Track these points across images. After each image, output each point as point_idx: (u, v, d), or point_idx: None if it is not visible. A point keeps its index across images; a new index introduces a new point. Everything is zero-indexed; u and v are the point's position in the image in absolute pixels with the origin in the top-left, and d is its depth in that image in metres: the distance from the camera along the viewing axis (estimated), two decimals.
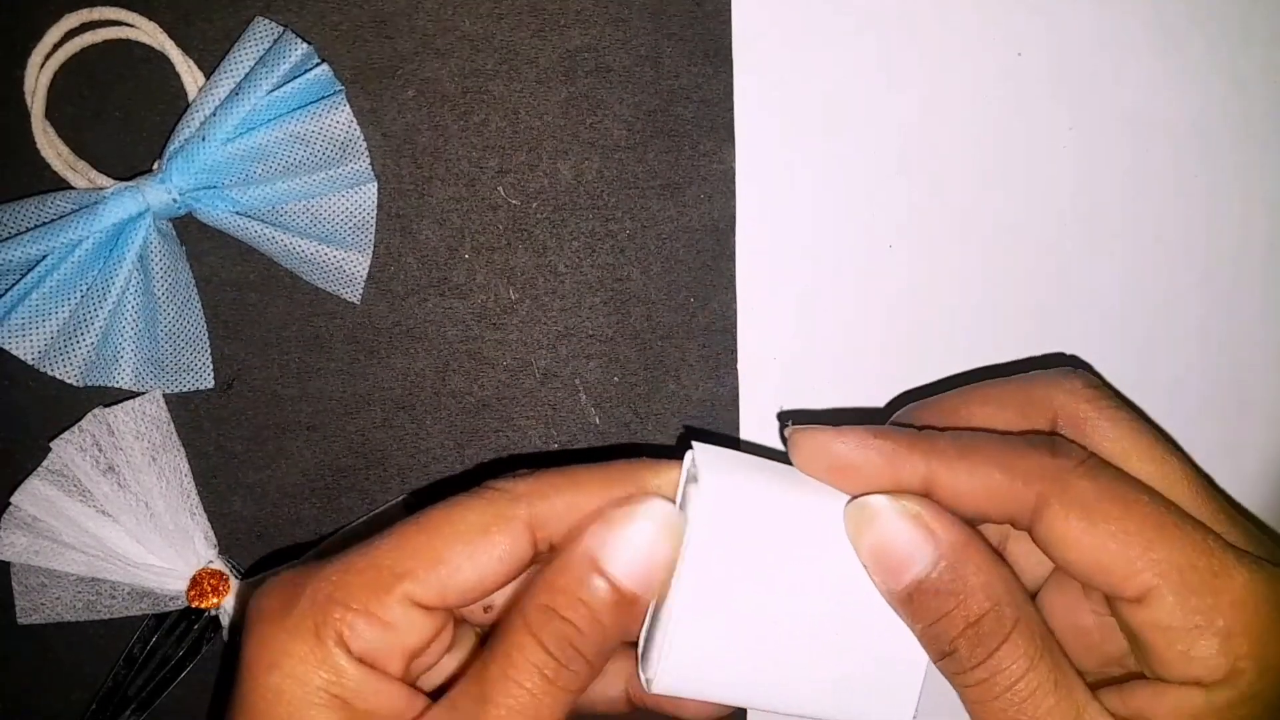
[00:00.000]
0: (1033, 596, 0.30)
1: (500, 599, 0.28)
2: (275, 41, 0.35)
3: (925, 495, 0.26)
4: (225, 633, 0.36)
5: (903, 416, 0.29)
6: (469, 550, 0.25)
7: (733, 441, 0.37)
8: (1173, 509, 0.25)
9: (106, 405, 0.35)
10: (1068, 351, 0.38)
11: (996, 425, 0.28)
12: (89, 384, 0.35)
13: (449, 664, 0.28)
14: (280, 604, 0.25)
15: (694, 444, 0.26)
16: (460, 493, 0.26)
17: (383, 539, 0.25)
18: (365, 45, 0.37)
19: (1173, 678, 0.25)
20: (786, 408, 0.37)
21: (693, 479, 0.26)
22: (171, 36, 0.36)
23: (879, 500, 0.25)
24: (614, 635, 0.25)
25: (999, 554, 0.26)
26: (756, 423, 0.37)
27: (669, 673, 0.25)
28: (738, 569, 0.25)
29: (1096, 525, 0.24)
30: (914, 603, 0.25)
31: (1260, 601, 0.24)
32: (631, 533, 0.25)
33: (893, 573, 0.25)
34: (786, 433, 0.27)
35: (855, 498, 0.26)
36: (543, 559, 0.26)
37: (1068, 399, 0.28)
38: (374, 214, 0.36)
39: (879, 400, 0.37)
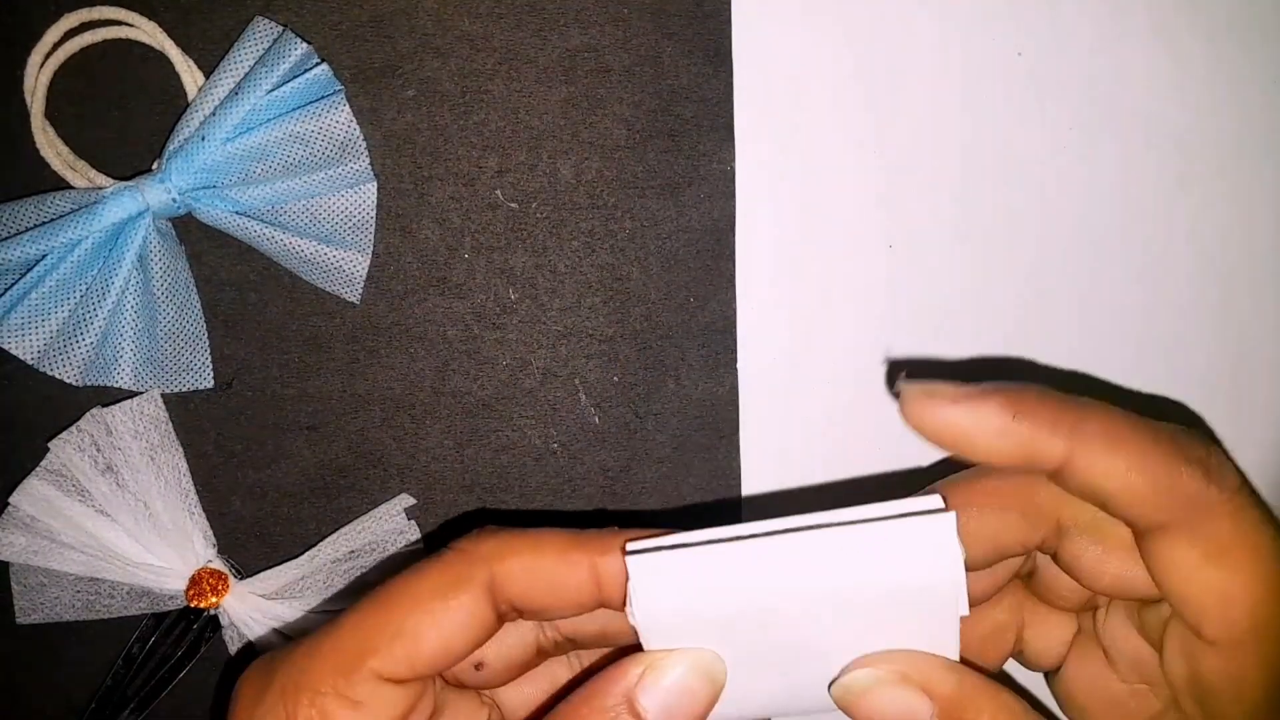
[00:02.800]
0: (1056, 670, 0.29)
1: (495, 659, 0.27)
2: (275, 41, 0.35)
3: (1059, 473, 0.24)
4: (224, 632, 0.36)
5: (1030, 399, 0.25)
6: (430, 619, 0.25)
7: (731, 446, 0.37)
8: None
9: (105, 405, 0.35)
10: (1067, 352, 0.38)
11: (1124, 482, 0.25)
12: (88, 383, 0.35)
13: None
14: (254, 692, 0.25)
15: (628, 557, 0.25)
16: (429, 556, 0.26)
17: (346, 616, 0.25)
18: (365, 45, 0.37)
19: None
20: (786, 408, 0.37)
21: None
22: (171, 36, 0.36)
23: (861, 675, 0.25)
24: None
25: (1000, 682, 0.25)
26: (756, 423, 0.37)
27: None
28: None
29: (1222, 567, 0.23)
30: None
31: None
32: (671, 676, 0.25)
33: None
34: (899, 387, 0.25)
35: (839, 677, 0.25)
36: (509, 618, 0.26)
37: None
38: (373, 214, 0.36)
39: (879, 400, 0.37)
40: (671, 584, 0.24)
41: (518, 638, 0.28)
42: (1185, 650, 0.25)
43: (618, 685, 0.25)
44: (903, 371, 0.25)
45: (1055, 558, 0.27)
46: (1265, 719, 0.24)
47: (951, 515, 0.23)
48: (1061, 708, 0.29)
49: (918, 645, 0.25)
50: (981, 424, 0.24)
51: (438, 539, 0.37)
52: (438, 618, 0.25)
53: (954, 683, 0.24)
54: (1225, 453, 0.24)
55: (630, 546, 0.25)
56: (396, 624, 0.24)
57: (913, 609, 0.24)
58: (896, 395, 0.25)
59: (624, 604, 0.25)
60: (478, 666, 0.28)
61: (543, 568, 0.25)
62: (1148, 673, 0.27)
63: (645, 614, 0.25)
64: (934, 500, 0.24)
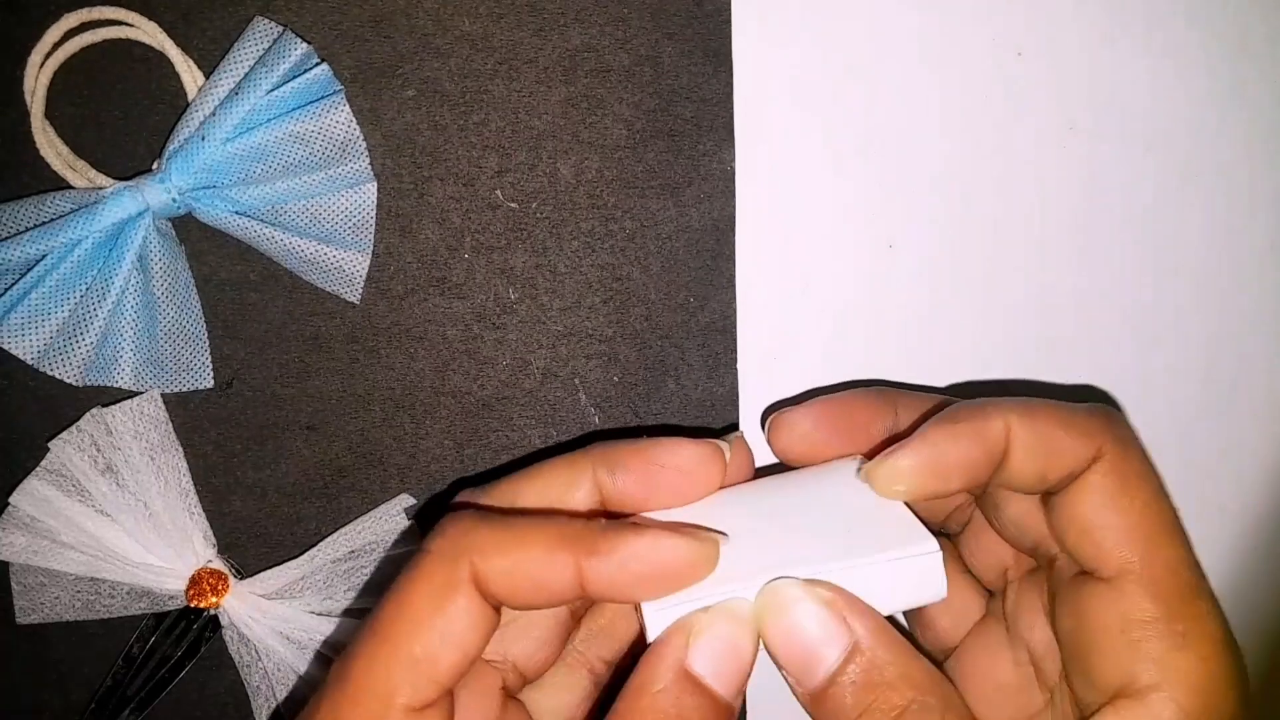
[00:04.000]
0: (955, 648, 0.30)
1: (523, 657, 0.28)
2: (275, 41, 0.35)
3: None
4: (224, 632, 0.36)
5: (938, 414, 0.29)
6: (437, 635, 0.24)
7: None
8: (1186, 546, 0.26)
9: (105, 405, 0.35)
10: (1067, 352, 0.38)
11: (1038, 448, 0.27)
12: (88, 383, 0.35)
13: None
14: None
15: (645, 611, 0.25)
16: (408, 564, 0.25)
17: (354, 662, 0.24)
18: (365, 45, 0.37)
19: (1114, 680, 0.25)
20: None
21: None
22: (171, 36, 0.36)
23: (790, 586, 0.25)
24: None
25: (914, 640, 0.26)
26: (756, 423, 0.37)
27: None
28: None
29: (1135, 499, 0.26)
30: (830, 700, 0.24)
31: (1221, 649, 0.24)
32: (711, 632, 0.24)
33: (805, 666, 0.24)
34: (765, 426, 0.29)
35: (770, 581, 0.25)
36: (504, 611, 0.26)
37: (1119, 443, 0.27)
38: (373, 214, 0.36)
39: None
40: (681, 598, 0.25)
41: (541, 629, 0.28)
42: (1074, 604, 0.26)
43: (666, 661, 0.24)
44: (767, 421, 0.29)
45: (981, 506, 0.29)
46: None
47: (939, 554, 0.26)
48: None
49: None
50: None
51: None
52: (442, 631, 0.24)
53: (875, 626, 0.24)
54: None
55: (646, 606, 0.25)
56: (406, 652, 0.24)
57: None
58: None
59: (611, 599, 0.26)
60: (517, 676, 0.28)
61: (525, 569, 0.25)
62: (1044, 653, 0.28)
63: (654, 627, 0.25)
64: (923, 534, 0.26)
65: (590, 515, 0.28)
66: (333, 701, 0.24)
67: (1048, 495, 0.27)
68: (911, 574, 0.25)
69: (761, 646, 0.25)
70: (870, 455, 0.30)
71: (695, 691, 0.24)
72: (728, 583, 0.25)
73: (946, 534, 0.32)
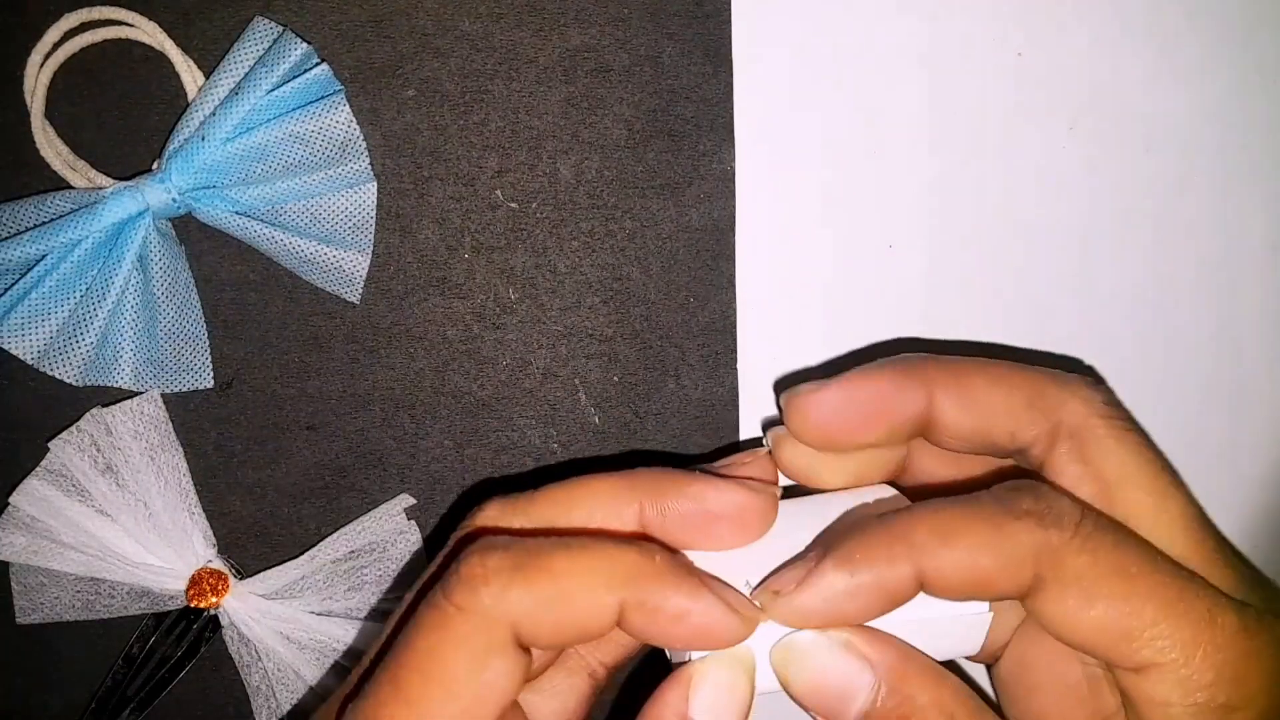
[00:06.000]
0: (1004, 646, 0.29)
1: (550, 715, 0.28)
2: (275, 41, 0.35)
3: (925, 434, 0.26)
4: (224, 632, 0.36)
5: (908, 362, 0.28)
6: (476, 699, 0.23)
7: (731, 447, 0.37)
8: (1176, 573, 0.24)
9: (105, 405, 0.35)
10: (1067, 352, 0.38)
11: (999, 411, 0.27)
12: (88, 383, 0.35)
13: None
14: None
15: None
16: (423, 623, 0.23)
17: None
18: (365, 45, 0.37)
19: None
20: None
21: None
22: (171, 36, 0.36)
23: (804, 636, 0.24)
24: None
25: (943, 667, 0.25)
26: (756, 423, 0.37)
27: None
28: None
29: (1096, 604, 0.23)
30: None
31: (1253, 657, 0.23)
32: (709, 680, 0.24)
33: (836, 710, 0.24)
34: (768, 436, 0.27)
35: (784, 638, 0.24)
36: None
37: (1080, 408, 0.26)
38: (373, 214, 0.36)
39: None
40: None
41: (566, 689, 0.27)
42: (1118, 679, 0.25)
43: (669, 711, 0.24)
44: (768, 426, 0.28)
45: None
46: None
47: (989, 615, 0.25)
48: (1005, 702, 0.28)
49: None
50: (839, 395, 0.26)
51: (438, 539, 0.37)
52: (479, 695, 0.23)
53: (897, 657, 0.24)
54: (1054, 490, 0.25)
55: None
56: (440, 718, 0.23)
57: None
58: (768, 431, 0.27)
59: (645, 641, 0.25)
60: None
61: (571, 621, 0.23)
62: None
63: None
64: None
65: (633, 537, 0.26)
66: None
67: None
68: (957, 630, 0.25)
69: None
70: (898, 475, 0.29)
71: None
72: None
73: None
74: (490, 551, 0.24)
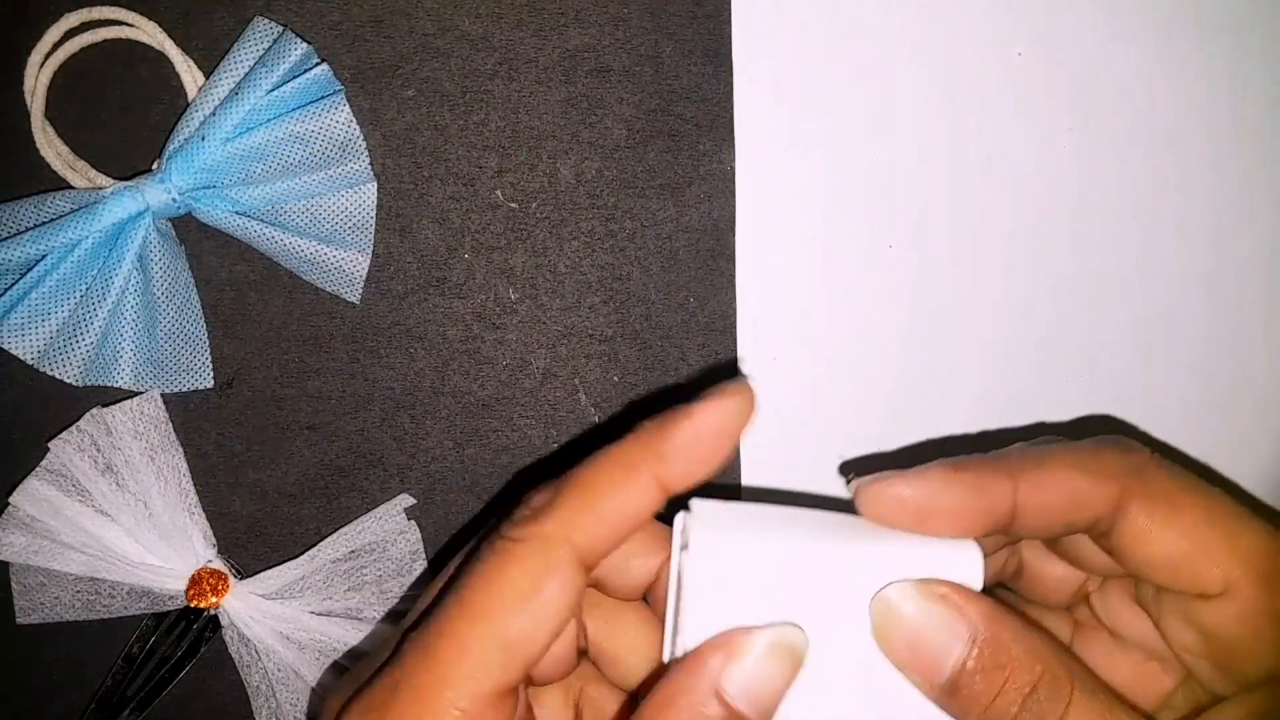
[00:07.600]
0: None
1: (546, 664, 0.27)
2: (275, 41, 0.35)
3: (1012, 521, 0.25)
4: (224, 632, 0.36)
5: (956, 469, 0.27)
6: (532, 618, 0.23)
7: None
8: (1246, 501, 0.25)
9: (105, 405, 0.35)
10: (1067, 352, 0.38)
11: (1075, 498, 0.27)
12: (88, 383, 0.35)
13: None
14: None
15: (691, 503, 0.25)
16: (480, 550, 0.25)
17: (440, 640, 0.24)
18: (365, 45, 0.37)
19: (1256, 674, 0.24)
20: (786, 408, 0.37)
21: (685, 545, 0.25)
22: (171, 36, 0.36)
23: (901, 589, 0.24)
24: None
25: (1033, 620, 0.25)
26: (756, 422, 0.37)
27: None
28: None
29: (1182, 514, 0.25)
30: (961, 690, 0.24)
31: None
32: (750, 657, 0.24)
33: (932, 666, 0.24)
34: (851, 488, 0.26)
35: (880, 590, 0.24)
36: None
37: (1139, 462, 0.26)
38: (373, 214, 0.36)
39: (877, 400, 0.37)
40: (727, 553, 0.24)
41: (561, 645, 0.27)
42: (1184, 616, 0.25)
43: (703, 679, 0.24)
44: (851, 474, 0.27)
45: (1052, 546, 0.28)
46: None
47: (979, 555, 0.25)
48: None
49: None
50: (930, 487, 0.25)
51: (438, 539, 0.37)
52: (536, 614, 0.23)
53: (991, 607, 0.24)
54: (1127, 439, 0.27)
55: (694, 501, 0.25)
56: (502, 633, 0.23)
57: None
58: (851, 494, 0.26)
59: (688, 487, 0.25)
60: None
61: (611, 509, 0.24)
62: (1157, 648, 0.27)
63: (693, 573, 0.24)
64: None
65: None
66: (414, 680, 0.23)
67: (1100, 536, 0.26)
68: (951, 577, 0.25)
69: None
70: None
71: (728, 716, 0.24)
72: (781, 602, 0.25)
73: (1004, 586, 0.31)
74: (530, 495, 0.25)
